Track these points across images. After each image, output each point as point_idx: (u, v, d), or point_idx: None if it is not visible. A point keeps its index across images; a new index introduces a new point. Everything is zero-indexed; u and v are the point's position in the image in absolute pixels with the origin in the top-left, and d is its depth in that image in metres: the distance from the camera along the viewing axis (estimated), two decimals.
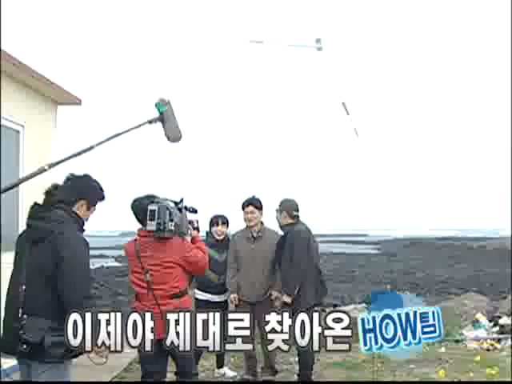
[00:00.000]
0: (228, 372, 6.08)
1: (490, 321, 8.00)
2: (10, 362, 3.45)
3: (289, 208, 5.48)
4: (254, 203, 5.58)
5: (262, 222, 5.67)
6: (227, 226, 5.78)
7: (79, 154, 2.99)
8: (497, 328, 7.74)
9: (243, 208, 5.61)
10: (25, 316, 3.03)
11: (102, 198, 3.43)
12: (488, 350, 7.12)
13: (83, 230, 3.31)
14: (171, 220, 3.89)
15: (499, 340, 7.39)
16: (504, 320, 7.80)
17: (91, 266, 4.47)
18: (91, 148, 3.00)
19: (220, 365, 6.06)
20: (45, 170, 2.95)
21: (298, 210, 5.52)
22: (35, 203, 3.25)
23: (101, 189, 3.42)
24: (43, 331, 2.98)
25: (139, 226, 4.10)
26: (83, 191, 3.29)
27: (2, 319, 3.21)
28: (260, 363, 5.72)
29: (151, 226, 3.87)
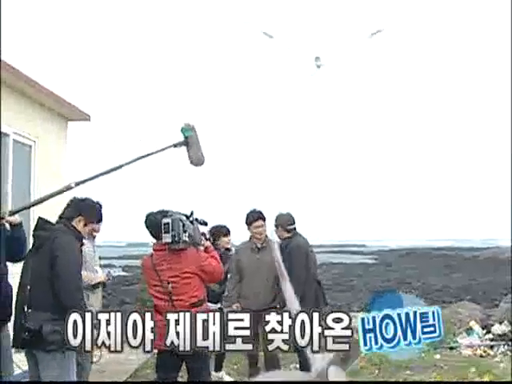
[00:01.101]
0: (225, 377, 6.06)
1: (483, 328, 8.07)
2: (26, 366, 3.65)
3: (284, 222, 5.51)
4: (261, 217, 5.63)
5: (266, 234, 5.76)
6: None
7: (107, 172, 3.14)
8: (490, 335, 7.84)
9: (252, 222, 5.60)
10: (29, 310, 3.42)
11: (100, 219, 3.78)
12: (481, 356, 7.22)
13: (82, 244, 3.66)
14: (185, 231, 3.94)
15: (492, 347, 7.51)
16: (496, 327, 7.89)
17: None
18: (120, 167, 3.15)
19: (218, 368, 6.01)
20: (71, 188, 3.16)
21: (293, 223, 5.53)
22: (39, 217, 3.63)
23: (99, 210, 3.75)
24: (43, 321, 3.32)
25: (146, 236, 4.17)
26: (81, 209, 3.66)
27: (13, 318, 3.56)
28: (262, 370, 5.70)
29: (166, 238, 3.93)
